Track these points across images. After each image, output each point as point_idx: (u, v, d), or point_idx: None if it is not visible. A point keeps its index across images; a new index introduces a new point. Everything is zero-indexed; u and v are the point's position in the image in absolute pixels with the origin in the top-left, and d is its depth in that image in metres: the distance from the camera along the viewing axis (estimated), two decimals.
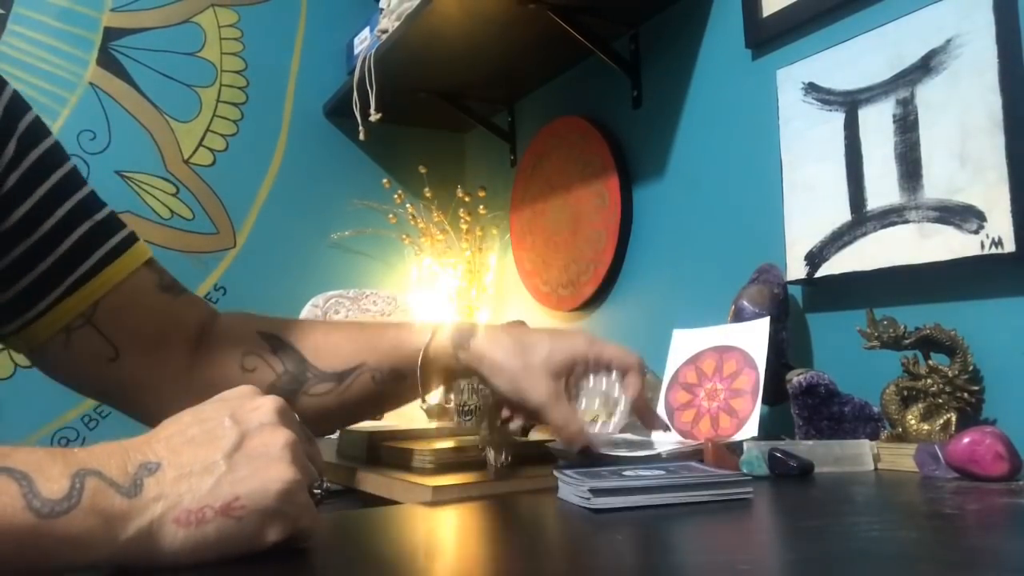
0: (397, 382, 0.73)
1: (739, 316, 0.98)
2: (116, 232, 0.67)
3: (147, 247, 0.70)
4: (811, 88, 1.02)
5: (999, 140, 0.81)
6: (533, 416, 0.73)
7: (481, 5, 1.32)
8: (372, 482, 0.83)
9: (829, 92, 0.99)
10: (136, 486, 0.38)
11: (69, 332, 0.64)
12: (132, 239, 0.68)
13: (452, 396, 1.24)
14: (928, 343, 0.82)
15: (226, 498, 0.39)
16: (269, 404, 0.44)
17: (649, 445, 0.81)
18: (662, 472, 0.59)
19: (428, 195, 1.81)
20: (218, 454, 0.40)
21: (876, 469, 0.78)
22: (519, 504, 0.65)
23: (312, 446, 0.46)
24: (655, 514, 0.53)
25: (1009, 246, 0.80)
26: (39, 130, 0.64)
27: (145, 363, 0.67)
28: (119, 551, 0.37)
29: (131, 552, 0.37)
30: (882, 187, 0.93)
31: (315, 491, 0.44)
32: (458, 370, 0.74)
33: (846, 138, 0.97)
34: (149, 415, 0.67)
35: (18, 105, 0.63)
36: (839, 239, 0.97)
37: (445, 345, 0.73)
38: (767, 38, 1.12)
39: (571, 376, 0.73)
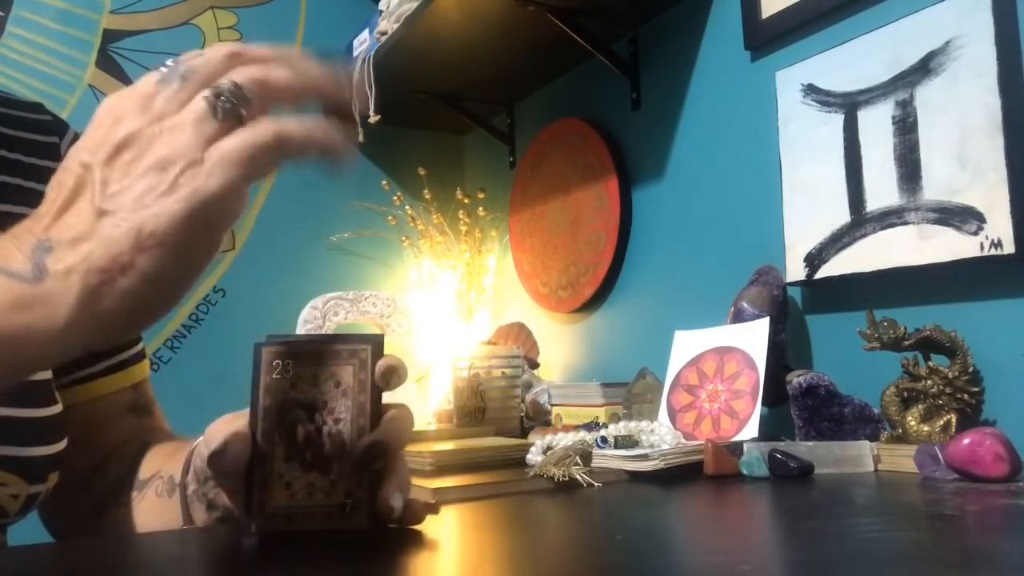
0: (174, 494, 0.57)
1: (739, 317, 0.98)
2: (130, 346, 0.70)
3: (147, 367, 0.72)
4: (810, 90, 1.02)
5: (998, 141, 0.82)
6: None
7: (480, 7, 1.32)
8: None
9: (828, 94, 1.00)
10: (39, 269, 0.36)
11: None
12: (139, 358, 0.71)
13: (452, 397, 1.24)
14: (928, 344, 0.82)
15: (129, 236, 0.35)
16: (130, 104, 0.38)
17: (644, 447, 0.81)
18: None
19: (427, 197, 1.81)
20: (88, 206, 0.36)
21: (876, 470, 0.78)
22: (519, 505, 0.65)
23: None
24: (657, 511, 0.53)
25: (1009, 247, 0.80)
26: None
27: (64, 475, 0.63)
28: (64, 340, 0.36)
29: (81, 335, 0.36)
30: (881, 188, 0.93)
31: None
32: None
33: (845, 140, 0.97)
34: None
35: None
36: (838, 240, 0.97)
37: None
38: (766, 40, 1.12)
39: None
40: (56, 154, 0.67)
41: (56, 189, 0.38)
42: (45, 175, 0.64)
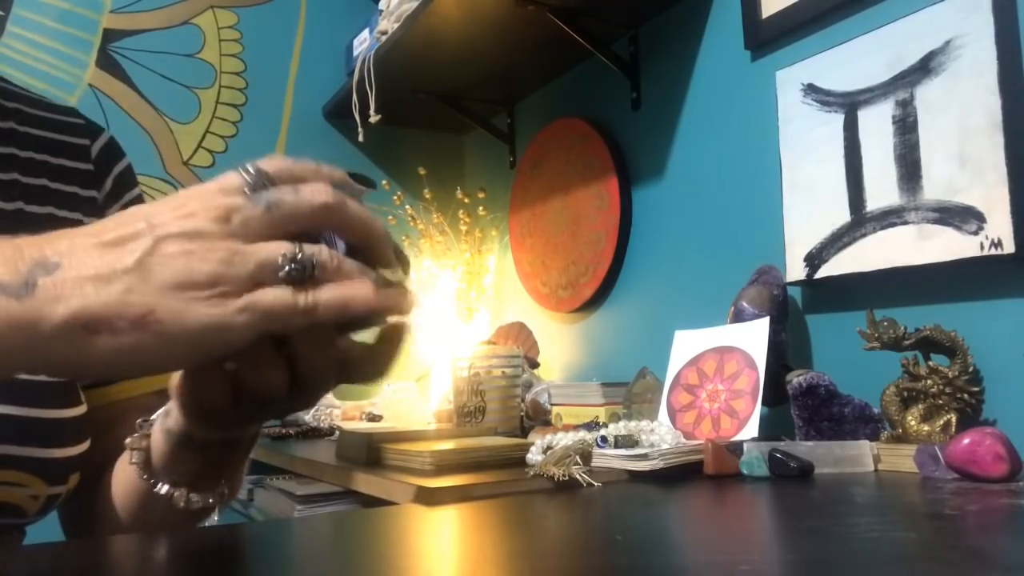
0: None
1: (739, 317, 0.98)
2: None
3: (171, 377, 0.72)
4: (810, 89, 1.02)
5: (998, 141, 0.82)
6: None
7: (480, 6, 1.32)
8: (371, 484, 0.83)
9: (828, 93, 1.00)
10: (27, 286, 0.33)
11: None
12: None
13: (452, 397, 1.24)
14: (928, 344, 0.82)
15: (139, 309, 0.33)
16: (211, 205, 0.35)
17: (645, 447, 0.81)
18: None
19: (427, 197, 1.81)
20: (128, 258, 0.34)
21: (876, 470, 0.78)
22: (519, 505, 0.65)
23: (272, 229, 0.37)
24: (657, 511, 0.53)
25: (1009, 247, 0.80)
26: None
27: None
28: (18, 360, 0.33)
29: (38, 362, 0.33)
30: (881, 188, 0.93)
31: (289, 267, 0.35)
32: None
33: (845, 139, 0.97)
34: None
35: (129, 177, 0.70)
36: (838, 240, 0.97)
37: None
38: (766, 39, 1.12)
39: None
40: (86, 156, 0.67)
41: (103, 226, 0.35)
42: (71, 176, 0.65)
